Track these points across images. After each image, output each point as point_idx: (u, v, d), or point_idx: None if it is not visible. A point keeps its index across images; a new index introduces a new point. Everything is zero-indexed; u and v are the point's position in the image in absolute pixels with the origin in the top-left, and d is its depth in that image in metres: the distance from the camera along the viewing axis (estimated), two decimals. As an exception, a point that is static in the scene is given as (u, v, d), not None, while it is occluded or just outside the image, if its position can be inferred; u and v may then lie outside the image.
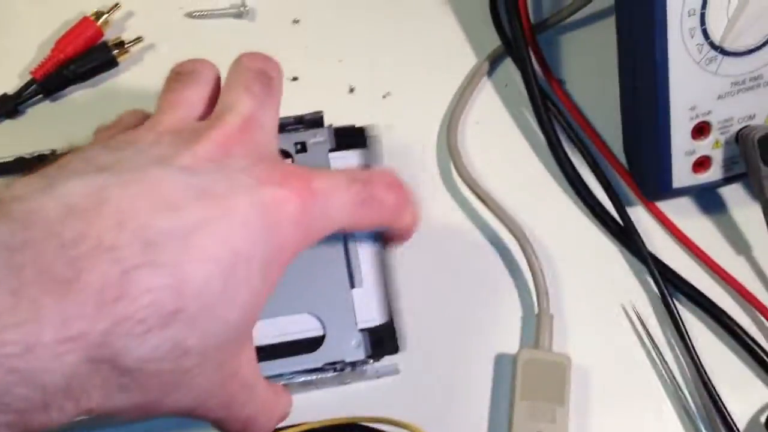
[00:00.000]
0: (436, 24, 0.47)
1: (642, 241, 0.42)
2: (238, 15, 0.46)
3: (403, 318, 0.38)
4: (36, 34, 0.45)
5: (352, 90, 0.45)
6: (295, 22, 0.46)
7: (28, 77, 0.44)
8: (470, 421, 0.39)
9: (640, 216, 0.43)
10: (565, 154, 0.43)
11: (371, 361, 0.37)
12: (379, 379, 0.39)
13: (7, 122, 0.44)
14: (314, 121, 0.41)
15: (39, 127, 0.44)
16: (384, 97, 0.45)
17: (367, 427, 0.37)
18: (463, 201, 0.44)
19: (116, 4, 0.45)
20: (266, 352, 0.37)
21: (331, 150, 0.41)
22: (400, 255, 0.41)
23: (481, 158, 0.44)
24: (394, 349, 0.38)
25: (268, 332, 0.37)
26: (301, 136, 0.41)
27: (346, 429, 0.37)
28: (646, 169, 0.42)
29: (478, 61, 0.46)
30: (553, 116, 0.44)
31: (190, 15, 0.46)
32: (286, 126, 0.41)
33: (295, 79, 0.45)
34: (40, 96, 0.44)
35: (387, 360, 0.38)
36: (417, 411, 0.38)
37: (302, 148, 0.41)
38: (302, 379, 0.37)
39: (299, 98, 0.43)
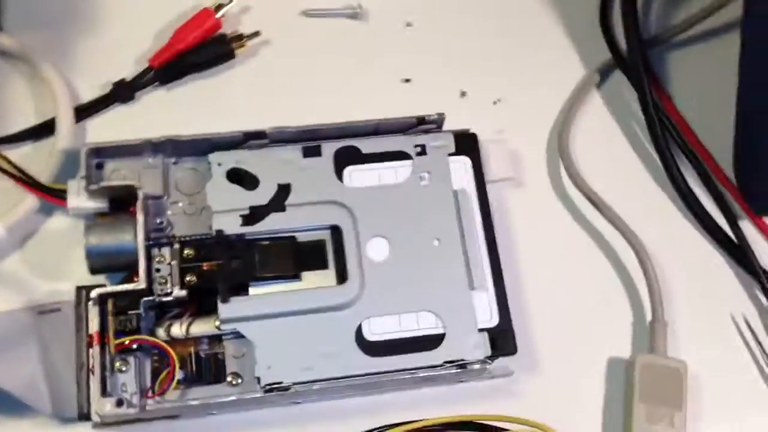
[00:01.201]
0: (547, 33, 0.48)
1: (754, 256, 0.42)
2: (353, 16, 0.47)
3: (517, 321, 0.39)
4: (153, 24, 0.45)
5: (463, 94, 0.46)
6: (408, 25, 0.47)
7: (146, 65, 0.44)
8: (584, 422, 0.40)
9: (747, 230, 0.44)
10: (678, 168, 0.44)
11: (489, 361, 0.38)
12: (493, 379, 0.39)
13: (122, 107, 0.44)
14: (435, 123, 0.42)
15: (152, 114, 0.44)
16: (495, 103, 0.46)
17: (486, 425, 0.37)
18: (574, 207, 0.44)
19: (235, -3, 0.46)
20: (389, 348, 0.38)
21: (450, 154, 0.42)
22: (514, 260, 0.42)
23: (591, 167, 0.45)
24: (511, 350, 0.38)
25: (391, 328, 0.38)
26: (422, 139, 0.41)
27: (466, 426, 0.37)
28: (759, 185, 0.43)
29: (588, 72, 0.47)
30: (666, 130, 0.45)
31: (305, 13, 0.47)
32: (407, 127, 0.42)
33: (407, 80, 0.46)
34: (156, 84, 0.45)
35: (501, 361, 0.39)
36: (530, 412, 0.38)
37: (422, 150, 0.41)
38: (424, 374, 0.37)
39: (410, 100, 0.45)
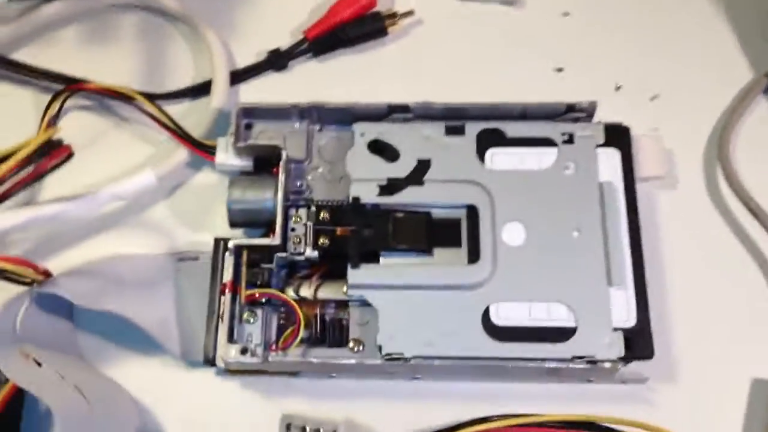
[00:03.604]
0: (712, 32, 0.45)
1: None
2: (509, 2, 0.46)
3: (656, 325, 0.36)
4: (311, -2, 0.47)
5: (618, 88, 0.44)
6: (566, 14, 0.46)
7: (300, 36, 0.46)
8: None
9: None
10: None
11: (622, 362, 0.36)
12: (624, 384, 0.37)
13: (274, 75, 0.45)
14: (585, 111, 0.40)
15: (303, 83, 0.45)
16: (652, 99, 0.44)
17: (608, 428, 0.35)
18: (729, 215, 0.41)
19: (392, -23, 0.47)
20: (516, 334, 0.36)
21: (599, 145, 0.40)
22: (659, 262, 0.40)
23: (751, 174, 0.42)
24: (648, 353, 0.36)
25: (520, 315, 0.37)
26: (570, 127, 0.40)
27: (587, 428, 0.35)
28: None
29: (756, 75, 0.44)
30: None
31: (461, -4, 0.47)
32: (555, 113, 0.40)
33: (559, 70, 0.44)
34: (309, 54, 0.46)
35: (635, 366, 0.36)
36: (660, 423, 0.35)
37: (569, 139, 0.40)
38: (550, 366, 0.36)
39: (561, 90, 0.43)
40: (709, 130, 0.43)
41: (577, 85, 0.44)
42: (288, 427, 0.28)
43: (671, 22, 0.46)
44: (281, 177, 0.39)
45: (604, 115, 0.40)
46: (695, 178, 0.42)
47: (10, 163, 0.36)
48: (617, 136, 0.40)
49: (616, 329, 0.36)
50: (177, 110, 0.43)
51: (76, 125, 0.44)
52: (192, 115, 0.43)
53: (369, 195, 0.39)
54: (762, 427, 0.37)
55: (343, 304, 0.38)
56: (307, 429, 0.28)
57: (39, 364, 0.35)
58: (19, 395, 0.37)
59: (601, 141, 0.39)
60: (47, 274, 0.38)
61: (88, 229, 0.42)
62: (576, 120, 0.40)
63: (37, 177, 0.38)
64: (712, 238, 0.41)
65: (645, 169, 0.40)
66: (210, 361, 0.38)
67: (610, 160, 0.39)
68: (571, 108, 0.40)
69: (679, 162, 0.42)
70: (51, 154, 0.38)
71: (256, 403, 0.38)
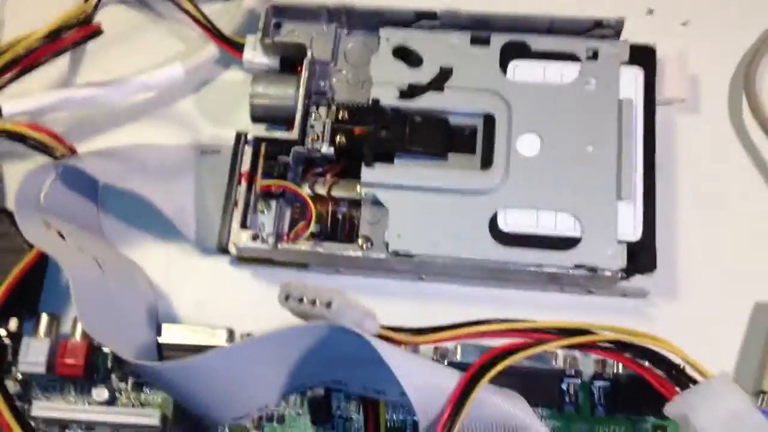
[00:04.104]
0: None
1: None
2: None
3: (662, 243, 0.37)
4: None
5: (650, 11, 0.44)
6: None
7: None
8: (716, 360, 0.36)
9: None
10: None
11: (623, 275, 0.36)
12: (624, 297, 0.38)
13: None
14: (613, 28, 0.40)
15: None
16: (683, 24, 0.43)
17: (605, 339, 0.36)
18: (750, 143, 0.41)
19: None
20: (521, 240, 0.37)
21: (623, 63, 0.39)
22: (672, 182, 0.40)
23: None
24: (650, 267, 0.36)
25: (527, 222, 0.37)
26: (596, 43, 0.40)
27: (584, 334, 0.36)
28: None
29: (790, 6, 0.43)
30: None
31: None
32: (582, 29, 0.40)
33: (593, -8, 0.44)
34: None
35: (638, 280, 0.37)
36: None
37: (593, 56, 0.40)
38: (551, 271, 0.36)
39: (592, 8, 0.42)
40: (737, 59, 0.43)
41: (608, 3, 0.43)
42: (287, 297, 0.30)
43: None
44: (304, 74, 0.39)
45: (634, 38, 0.40)
46: (719, 105, 0.42)
47: (38, 34, 0.38)
48: (643, 56, 0.40)
49: (620, 242, 0.36)
50: (211, 9, 0.44)
51: (113, 17, 0.45)
52: (225, 16, 0.44)
53: (389, 98, 0.39)
54: (760, 350, 0.37)
55: (355, 203, 0.39)
56: (305, 300, 0.29)
57: (62, 237, 0.37)
58: (40, 265, 0.39)
59: (626, 59, 0.39)
60: (73, 152, 0.40)
61: (116, 116, 0.43)
62: (602, 37, 0.40)
63: (62, 50, 0.39)
64: (731, 163, 0.41)
65: (667, 90, 0.40)
66: (223, 248, 0.39)
67: (632, 79, 0.39)
68: (598, 24, 0.40)
69: (704, 88, 0.42)
70: (80, 29, 0.39)
71: (264, 291, 0.40)
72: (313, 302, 0.28)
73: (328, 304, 0.28)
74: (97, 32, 0.39)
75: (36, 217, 0.37)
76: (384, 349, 0.28)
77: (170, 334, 0.37)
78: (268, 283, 0.40)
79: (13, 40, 0.40)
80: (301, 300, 0.28)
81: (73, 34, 0.38)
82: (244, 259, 0.39)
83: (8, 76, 0.38)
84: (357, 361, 0.31)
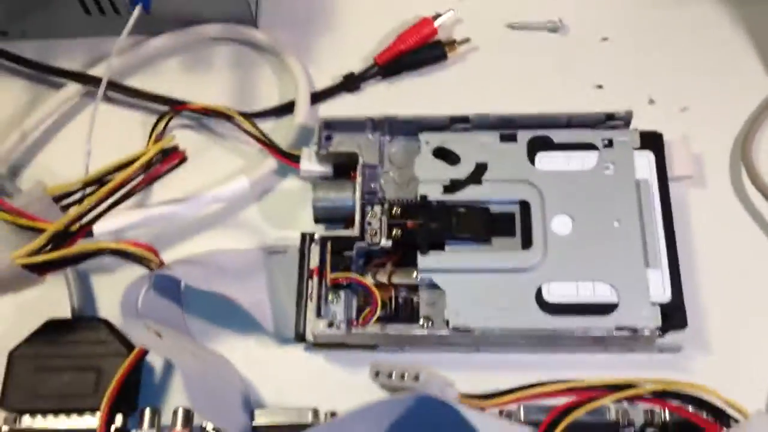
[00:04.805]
0: (737, 46, 0.51)
1: None
2: (553, 29, 0.53)
3: (690, 308, 0.41)
4: (380, 29, 0.53)
5: (651, 101, 0.50)
6: (604, 39, 0.52)
7: (371, 62, 0.52)
8: (749, 403, 0.41)
9: None
10: None
11: (659, 332, 0.41)
12: (662, 353, 0.42)
13: (348, 96, 0.52)
14: (623, 120, 0.46)
15: (373, 103, 0.52)
16: (682, 110, 0.49)
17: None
18: (753, 209, 0.46)
19: (450, 10, 0.53)
20: (565, 309, 0.41)
21: (635, 149, 0.45)
22: (691, 250, 0.45)
23: (773, 174, 0.47)
24: (682, 323, 0.41)
25: (568, 293, 0.42)
26: (610, 133, 0.46)
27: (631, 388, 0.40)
28: None
29: (776, 86, 0.50)
30: None
31: (510, 26, 0.53)
32: (596, 122, 0.46)
33: (599, 87, 0.50)
34: (378, 77, 0.52)
35: (671, 337, 0.41)
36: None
37: (609, 143, 0.46)
38: (595, 335, 0.41)
39: (602, 104, 0.48)
40: (733, 135, 0.49)
41: (614, 99, 0.50)
42: (377, 374, 0.34)
43: (700, 39, 0.51)
44: (359, 178, 0.45)
45: (640, 126, 0.46)
46: (722, 178, 0.48)
47: (134, 166, 0.43)
48: (651, 141, 0.46)
49: (653, 303, 0.41)
50: (264, 127, 0.50)
51: (181, 141, 0.49)
52: (278, 132, 0.50)
53: (434, 193, 0.45)
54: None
55: (413, 288, 0.44)
56: (393, 374, 0.33)
57: (160, 336, 0.42)
58: (138, 365, 0.43)
59: (637, 145, 0.45)
60: (162, 263, 0.45)
61: (190, 228, 0.48)
62: (614, 128, 0.46)
63: (154, 179, 0.45)
64: (739, 229, 0.46)
65: (676, 169, 0.45)
66: (300, 336, 0.44)
67: (645, 161, 0.45)
68: (610, 117, 0.46)
69: (708, 164, 0.48)
70: (166, 159, 0.44)
71: (339, 374, 0.44)
72: (402, 376, 0.32)
73: (416, 377, 0.32)
74: (183, 159, 0.44)
75: (138, 321, 0.41)
76: (469, 413, 0.33)
77: (262, 418, 0.41)
78: (341, 366, 0.44)
79: (103, 169, 0.44)
80: (390, 375, 0.32)
81: (163, 163, 0.43)
82: (318, 345, 0.44)
83: (104, 206, 0.42)
84: (440, 429, 0.35)
